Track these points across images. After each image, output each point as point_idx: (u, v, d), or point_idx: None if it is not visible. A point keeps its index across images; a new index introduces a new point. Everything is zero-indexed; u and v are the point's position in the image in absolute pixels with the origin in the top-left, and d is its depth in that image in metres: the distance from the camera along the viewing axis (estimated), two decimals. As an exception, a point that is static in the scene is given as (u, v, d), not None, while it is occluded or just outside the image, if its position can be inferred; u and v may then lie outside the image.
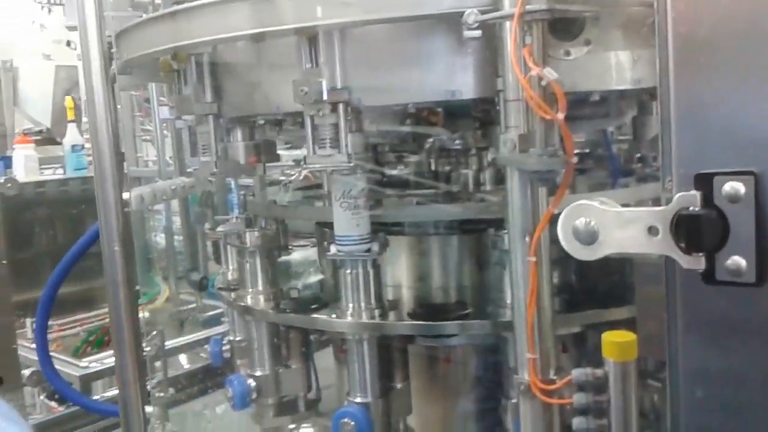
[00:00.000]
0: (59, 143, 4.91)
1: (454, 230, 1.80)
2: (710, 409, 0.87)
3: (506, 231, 1.55)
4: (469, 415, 1.84)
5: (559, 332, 1.39)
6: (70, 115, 4.00)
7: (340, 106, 1.51)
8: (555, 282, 1.47)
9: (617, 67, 1.50)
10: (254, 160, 1.77)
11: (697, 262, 0.85)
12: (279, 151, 2.46)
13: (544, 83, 1.08)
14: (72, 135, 3.89)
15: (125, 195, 2.04)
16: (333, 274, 1.95)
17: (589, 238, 0.92)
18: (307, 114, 1.54)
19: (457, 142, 1.81)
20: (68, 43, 5.24)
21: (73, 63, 4.75)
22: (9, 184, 2.34)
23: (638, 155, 1.93)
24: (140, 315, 3.85)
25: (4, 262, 2.31)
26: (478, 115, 1.75)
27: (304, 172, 3.86)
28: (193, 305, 3.78)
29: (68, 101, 4.06)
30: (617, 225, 0.90)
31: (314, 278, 2.19)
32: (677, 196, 0.85)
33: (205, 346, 3.42)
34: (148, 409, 2.13)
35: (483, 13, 1.18)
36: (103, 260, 1.97)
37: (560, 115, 1.05)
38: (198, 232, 3.56)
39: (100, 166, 1.90)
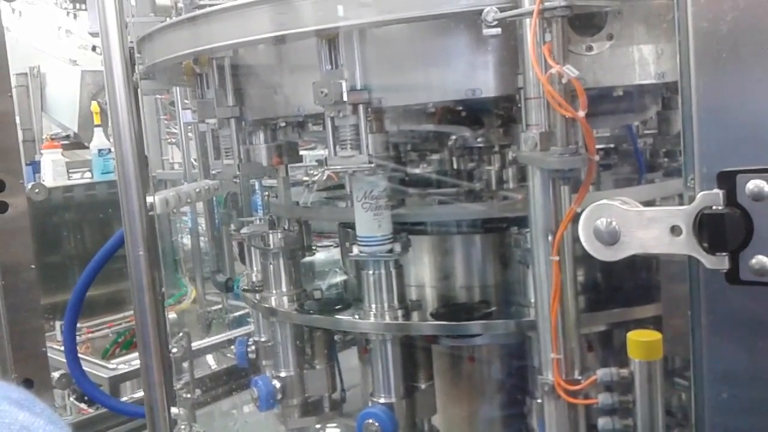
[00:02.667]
0: (86, 147, 4.98)
1: (477, 229, 1.79)
2: (735, 409, 0.85)
3: (528, 230, 1.55)
4: (493, 415, 1.83)
5: (583, 331, 1.38)
6: (97, 120, 4.05)
7: (360, 107, 1.51)
8: (578, 281, 1.46)
9: (640, 61, 1.48)
10: (277, 162, 1.77)
11: (720, 262, 0.83)
12: (302, 152, 2.47)
13: (564, 81, 1.06)
14: (99, 139, 3.93)
15: (149, 199, 2.06)
16: (356, 274, 1.95)
17: (611, 238, 0.91)
18: (327, 115, 1.54)
19: (479, 140, 1.80)
20: (93, 48, 5.31)
21: (98, 68, 4.80)
22: (37, 190, 2.35)
23: (664, 150, 1.91)
24: (168, 316, 3.91)
25: (33, 266, 2.33)
26: (499, 113, 1.73)
27: (327, 173, 3.85)
28: (220, 306, 3.81)
29: (94, 106, 4.11)
30: (639, 225, 0.88)
31: (338, 279, 2.20)
32: (700, 195, 0.83)
33: (232, 347, 3.44)
34: (174, 410, 2.14)
35: (502, 10, 1.17)
36: (127, 264, 2.00)
37: (581, 113, 1.04)
38: (223, 233, 3.58)
39: (124, 170, 1.91)
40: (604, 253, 0.93)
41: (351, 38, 1.49)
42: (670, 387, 1.41)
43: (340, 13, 1.45)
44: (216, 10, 1.57)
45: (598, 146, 2.08)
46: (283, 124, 1.82)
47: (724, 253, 0.83)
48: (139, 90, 2.02)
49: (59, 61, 5.14)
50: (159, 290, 2.16)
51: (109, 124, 3.67)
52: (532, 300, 1.57)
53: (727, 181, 0.81)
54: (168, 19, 2.00)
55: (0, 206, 2.25)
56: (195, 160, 3.64)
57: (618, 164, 2.08)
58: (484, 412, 1.83)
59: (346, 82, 1.49)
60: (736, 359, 0.85)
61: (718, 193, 0.82)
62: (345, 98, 1.49)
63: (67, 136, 5.14)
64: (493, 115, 1.72)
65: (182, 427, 2.12)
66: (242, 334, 3.38)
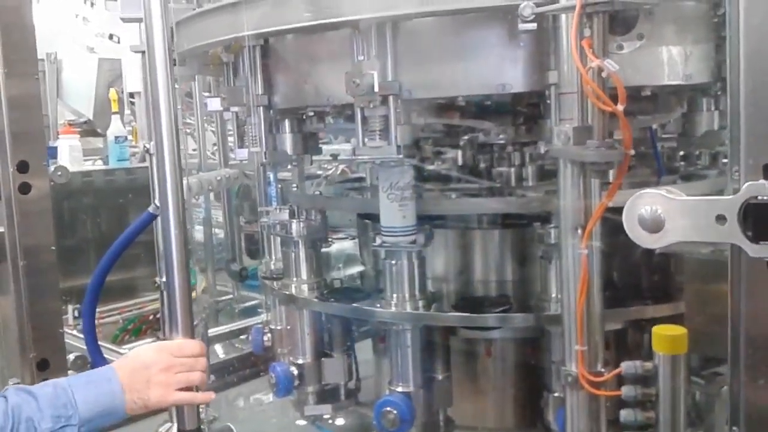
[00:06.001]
0: (99, 135, 5.01)
1: (497, 225, 1.81)
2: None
3: (552, 225, 1.57)
4: (509, 409, 1.85)
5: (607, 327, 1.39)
6: (114, 107, 4.07)
7: (391, 98, 1.53)
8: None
9: (669, 62, 1.51)
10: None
11: (765, 251, 0.86)
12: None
13: (604, 75, 1.08)
14: (116, 126, 3.95)
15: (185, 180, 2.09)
16: (374, 265, 1.98)
17: (655, 226, 0.93)
18: (357, 106, 1.56)
19: (504, 136, 1.82)
20: (110, 37, 5.33)
21: (115, 56, 4.83)
22: (60, 173, 2.39)
23: (683, 153, 1.93)
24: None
25: (53, 248, 2.35)
26: (525, 110, 1.75)
27: (342, 167, 3.89)
28: (230, 296, 3.83)
29: (112, 93, 4.13)
30: (684, 213, 0.91)
31: (355, 270, 2.22)
32: (746, 185, 0.86)
33: (240, 337, 3.47)
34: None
35: (539, 5, 1.19)
36: (162, 243, 2.04)
37: (620, 107, 1.06)
38: (235, 224, 3.61)
39: (161, 153, 1.95)
40: (647, 240, 0.95)
41: (384, 30, 1.51)
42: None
43: (376, 5, 1.48)
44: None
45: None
46: (311, 114, 1.84)
47: (767, 242, 0.85)
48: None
49: (76, 49, 5.17)
50: (188, 273, 2.19)
51: (128, 111, 3.68)
52: (552, 295, 1.60)
53: None
54: (197, 7, 2.03)
55: (23, 187, 2.28)
56: (213, 151, 3.67)
57: (636, 166, 2.10)
58: (501, 405, 1.85)
59: (377, 73, 1.51)
60: None
61: (764, 183, 0.85)
62: (376, 89, 1.51)
63: (81, 123, 5.17)
64: (520, 111, 1.74)
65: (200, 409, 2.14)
66: (252, 324, 3.42)
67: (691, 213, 0.90)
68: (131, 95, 4.37)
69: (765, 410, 0.89)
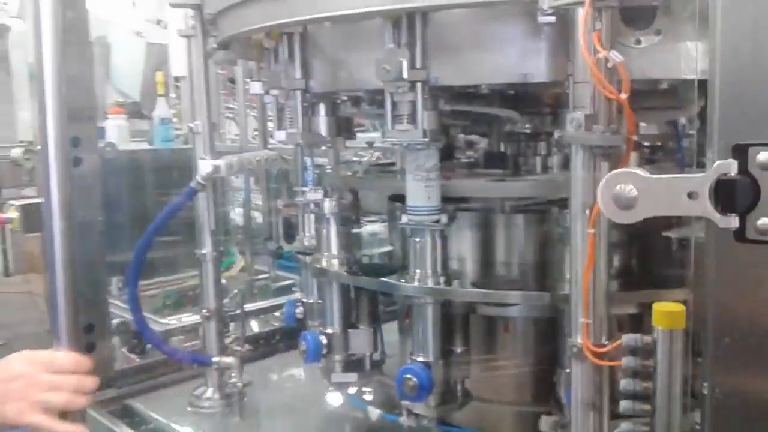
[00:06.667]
0: (144, 117, 5.20)
1: (517, 209, 1.90)
2: (735, 352, 0.97)
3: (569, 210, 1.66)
4: (524, 383, 1.94)
5: (616, 311, 1.48)
6: (161, 90, 4.23)
7: (419, 85, 1.64)
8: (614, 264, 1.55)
9: (686, 57, 1.57)
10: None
11: (730, 222, 0.96)
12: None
13: (610, 65, 1.17)
14: (161, 108, 4.12)
15: (215, 162, 2.23)
16: (402, 245, 2.08)
17: (629, 202, 1.02)
18: (387, 91, 1.67)
19: (525, 124, 1.91)
20: (158, 22, 5.51)
21: (163, 41, 5.00)
22: (109, 148, 2.54)
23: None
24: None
25: (101, 219, 2.51)
26: (546, 99, 1.84)
27: (376, 154, 4.00)
28: (267, 275, 3.98)
29: (159, 76, 4.30)
30: (658, 190, 1.01)
31: (383, 249, 2.34)
32: (716, 164, 0.96)
33: (275, 313, 3.62)
34: (227, 359, 2.31)
35: None
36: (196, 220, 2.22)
37: (623, 95, 1.14)
38: (272, 206, 3.74)
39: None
40: (620, 216, 1.05)
41: (414, 20, 1.61)
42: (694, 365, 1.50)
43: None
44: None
45: (646, 144, 2.18)
46: (345, 98, 1.95)
47: (734, 215, 0.95)
48: (211, 59, 2.20)
49: (125, 33, 5.36)
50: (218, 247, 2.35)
51: (173, 94, 3.82)
52: (567, 276, 1.69)
53: (741, 152, 0.94)
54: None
55: (75, 161, 2.43)
56: (254, 135, 3.81)
57: (664, 161, 2.16)
58: (515, 380, 1.95)
59: (406, 60, 1.61)
60: (738, 308, 0.97)
61: (732, 162, 0.94)
62: (405, 75, 1.61)
63: (127, 105, 5.37)
64: (541, 101, 1.82)
65: (233, 374, 2.28)
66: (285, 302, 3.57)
67: (664, 190, 1.00)
68: (176, 79, 4.54)
69: (729, 364, 0.98)
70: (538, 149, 2.08)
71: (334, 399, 2.30)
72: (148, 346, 3.46)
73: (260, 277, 4.02)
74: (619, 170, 1.05)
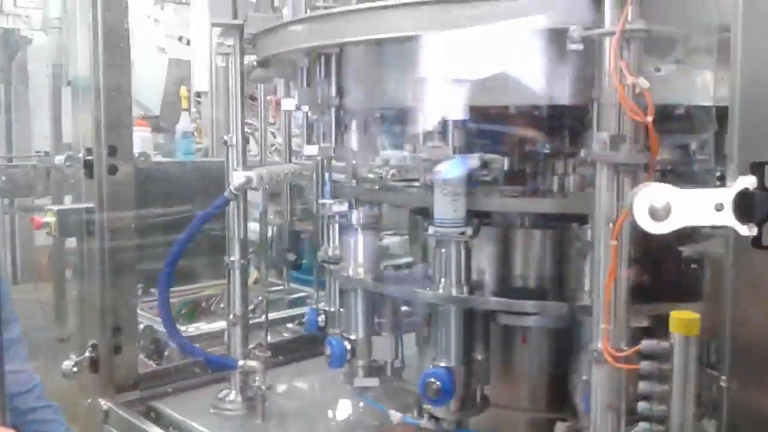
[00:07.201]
0: (162, 131, 5.33)
1: (538, 225, 2.00)
2: (753, 348, 1.08)
3: (588, 225, 1.76)
4: (541, 391, 2.03)
5: (634, 324, 1.57)
6: (184, 104, 4.36)
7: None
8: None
9: (702, 85, 1.69)
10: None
11: (750, 230, 1.06)
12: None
13: (637, 91, 1.27)
14: (184, 122, 4.24)
15: (247, 173, 2.34)
16: (422, 257, 2.19)
17: (663, 214, 1.13)
18: (420, 109, 1.78)
19: (547, 145, 2.01)
20: (180, 39, 5.66)
21: (183, 57, 5.14)
22: (143, 158, 2.65)
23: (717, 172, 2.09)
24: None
25: (133, 226, 2.62)
26: (568, 122, 1.94)
27: (392, 171, 4.09)
28: (281, 287, 4.07)
29: (183, 91, 4.42)
30: (688, 203, 1.12)
31: (404, 260, 2.44)
32: (738, 179, 1.07)
33: (287, 325, 3.71)
34: (251, 363, 2.40)
35: (586, 29, 1.39)
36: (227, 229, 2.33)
37: (649, 118, 1.25)
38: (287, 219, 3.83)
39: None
40: (655, 227, 1.15)
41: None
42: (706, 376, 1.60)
43: (438, 24, 1.69)
44: (331, 13, 1.83)
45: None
46: (377, 116, 2.06)
47: (752, 224, 1.06)
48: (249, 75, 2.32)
49: (147, 48, 5.51)
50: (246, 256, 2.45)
51: (193, 109, 3.93)
52: (586, 288, 1.79)
53: (758, 169, 1.06)
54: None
55: (111, 169, 2.55)
56: (272, 150, 3.92)
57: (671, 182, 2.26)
58: (532, 387, 2.04)
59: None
60: (755, 308, 1.07)
61: (752, 177, 1.06)
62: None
63: (149, 119, 5.50)
64: (563, 123, 1.93)
65: (257, 378, 2.37)
66: (299, 313, 3.67)
67: (694, 202, 1.12)
68: (197, 95, 4.67)
69: (750, 360, 1.08)
70: (555, 168, 2.19)
71: (353, 404, 2.39)
72: (165, 353, 3.57)
73: (274, 289, 4.11)
74: (653, 184, 1.16)
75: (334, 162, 2.52)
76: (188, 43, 5.16)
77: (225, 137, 2.42)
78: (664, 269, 1.83)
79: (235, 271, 2.46)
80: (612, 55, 1.27)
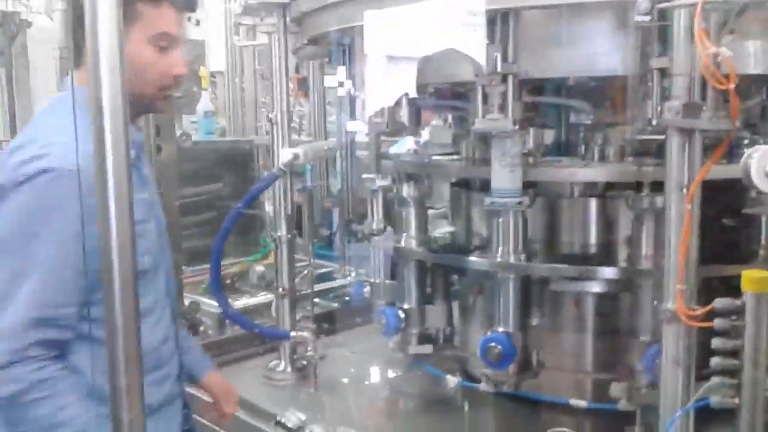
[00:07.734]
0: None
1: (593, 194, 2.06)
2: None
3: (645, 194, 1.83)
4: (594, 354, 2.11)
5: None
6: (204, 85, 4.37)
7: (510, 78, 1.80)
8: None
9: (755, 54, 1.75)
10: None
11: None
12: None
13: (719, 60, 1.33)
14: (204, 102, 4.25)
15: (294, 150, 2.38)
16: (464, 227, 2.25)
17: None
18: (479, 83, 1.83)
19: (601, 116, 2.07)
20: (189, 19, 5.64)
21: (195, 38, 5.12)
22: (184, 138, 2.70)
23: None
24: (256, 269, 4.21)
25: (177, 203, 2.66)
26: (621, 93, 2.00)
27: (412, 149, 4.13)
28: (306, 263, 4.10)
29: (202, 71, 4.43)
30: None
31: (446, 230, 2.49)
32: None
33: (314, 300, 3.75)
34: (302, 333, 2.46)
35: (662, 2, 1.44)
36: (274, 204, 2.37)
37: (731, 86, 1.30)
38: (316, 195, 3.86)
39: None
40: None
41: (507, 19, 1.77)
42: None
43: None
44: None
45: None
46: (431, 90, 2.11)
47: None
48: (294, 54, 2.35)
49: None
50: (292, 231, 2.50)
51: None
52: (643, 252, 1.86)
53: None
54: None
55: (156, 148, 2.59)
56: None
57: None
58: (586, 350, 2.11)
59: (500, 55, 1.78)
60: None
61: None
62: (498, 69, 1.78)
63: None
64: (617, 94, 1.99)
65: (309, 348, 2.42)
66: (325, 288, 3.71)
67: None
68: (212, 74, 4.67)
69: None
70: (596, 139, 2.24)
71: (407, 371, 2.44)
72: (201, 328, 3.62)
73: (299, 264, 4.15)
74: (764, 147, 1.22)
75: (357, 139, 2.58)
76: (197, 23, 5.13)
77: (269, 115, 2.45)
78: (728, 231, 1.90)
79: (282, 245, 2.51)
80: (697, 27, 1.31)
